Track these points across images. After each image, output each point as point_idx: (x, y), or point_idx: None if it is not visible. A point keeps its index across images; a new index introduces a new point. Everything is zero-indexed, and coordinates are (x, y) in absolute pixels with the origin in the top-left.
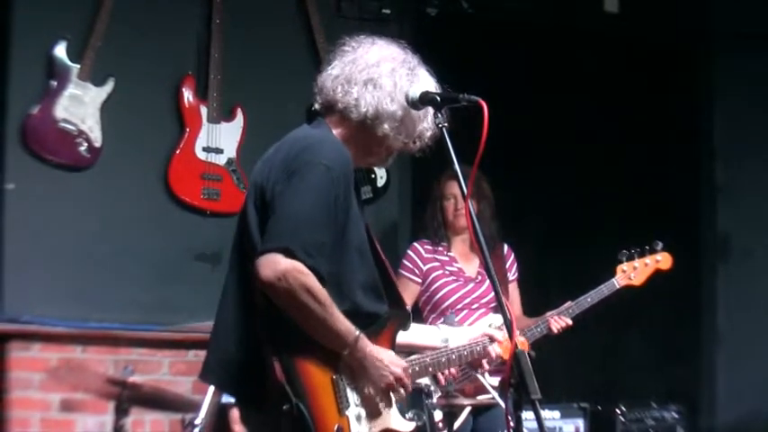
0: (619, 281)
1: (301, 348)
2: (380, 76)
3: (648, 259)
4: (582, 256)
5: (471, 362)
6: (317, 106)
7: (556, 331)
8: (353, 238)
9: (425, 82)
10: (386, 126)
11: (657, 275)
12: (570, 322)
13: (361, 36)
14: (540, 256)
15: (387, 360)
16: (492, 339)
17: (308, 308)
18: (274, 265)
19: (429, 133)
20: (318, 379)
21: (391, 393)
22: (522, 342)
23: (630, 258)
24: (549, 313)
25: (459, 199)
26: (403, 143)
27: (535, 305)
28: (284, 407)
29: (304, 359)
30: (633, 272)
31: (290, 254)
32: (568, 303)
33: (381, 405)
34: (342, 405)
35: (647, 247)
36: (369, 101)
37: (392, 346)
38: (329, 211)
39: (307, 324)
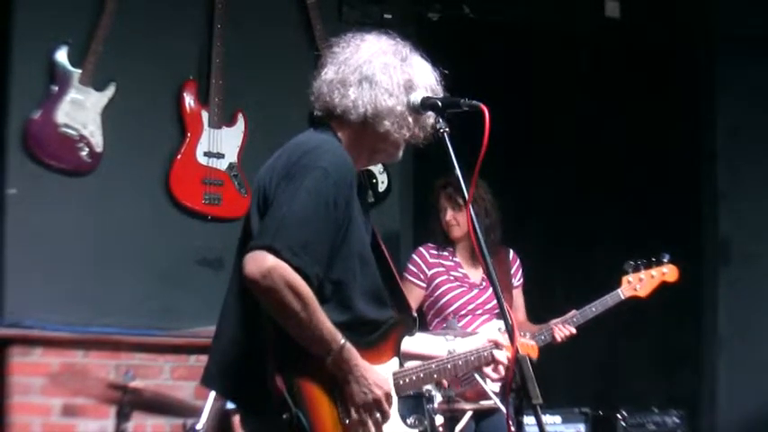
0: (624, 292)
1: (303, 358)
2: (374, 72)
3: (654, 271)
4: (584, 260)
5: (478, 368)
6: (316, 113)
7: (559, 340)
8: (355, 244)
9: (419, 69)
10: (386, 122)
11: None
12: (574, 331)
13: (348, 35)
14: (542, 260)
15: (371, 379)
16: (497, 345)
17: (291, 307)
18: (260, 261)
19: (431, 121)
20: (319, 388)
21: (367, 413)
22: (531, 346)
23: (636, 269)
24: (553, 321)
25: (449, 210)
26: (407, 135)
27: (538, 310)
28: (284, 416)
29: (305, 368)
30: (639, 283)
31: (274, 252)
32: (573, 312)
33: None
34: (342, 414)
35: (653, 259)
36: (366, 100)
37: (397, 352)
38: (324, 213)
39: (289, 324)
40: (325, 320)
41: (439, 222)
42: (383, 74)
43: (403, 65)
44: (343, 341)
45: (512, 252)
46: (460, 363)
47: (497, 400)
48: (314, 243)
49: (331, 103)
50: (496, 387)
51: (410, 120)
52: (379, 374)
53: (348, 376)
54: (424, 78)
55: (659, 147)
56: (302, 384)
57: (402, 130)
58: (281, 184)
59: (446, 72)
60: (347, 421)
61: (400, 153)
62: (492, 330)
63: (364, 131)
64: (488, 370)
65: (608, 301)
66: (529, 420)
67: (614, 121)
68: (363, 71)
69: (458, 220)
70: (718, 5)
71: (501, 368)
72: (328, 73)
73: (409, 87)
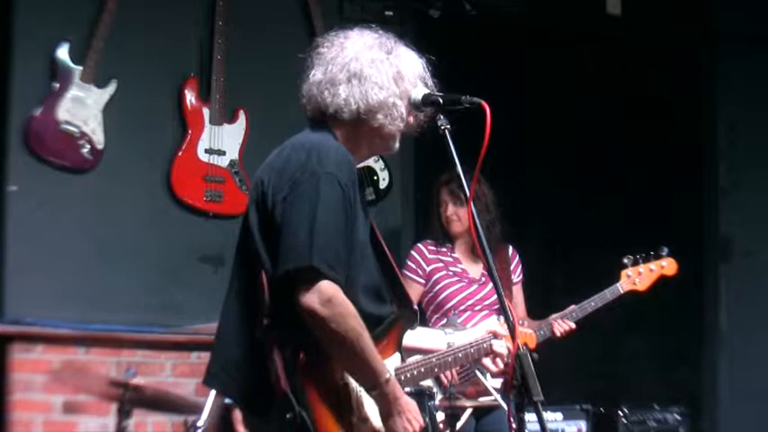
0: (623, 286)
1: (306, 356)
2: (362, 68)
3: (653, 265)
4: (585, 258)
5: (478, 360)
6: (310, 115)
7: (559, 335)
8: (357, 240)
9: (406, 60)
10: (380, 116)
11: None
12: (574, 326)
13: (331, 34)
14: (543, 258)
15: (413, 413)
16: (496, 335)
17: (348, 337)
18: (318, 291)
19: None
20: (323, 387)
21: None
22: (529, 334)
23: (635, 263)
24: (552, 317)
25: (450, 206)
26: (401, 126)
27: (538, 307)
28: (288, 415)
29: (309, 367)
30: (638, 277)
31: (315, 271)
32: (572, 307)
33: None
34: (345, 413)
35: (651, 253)
36: (357, 96)
37: (398, 347)
38: (343, 220)
39: (344, 354)
40: (375, 352)
41: (438, 218)
42: (371, 68)
43: (390, 57)
44: (389, 375)
45: (511, 248)
46: (460, 355)
47: (498, 397)
48: (342, 252)
49: (323, 104)
50: (497, 384)
51: (403, 111)
52: (416, 407)
53: (392, 409)
54: (412, 68)
55: (660, 144)
56: (305, 384)
57: (396, 122)
58: (284, 190)
59: (432, 58)
60: (350, 418)
61: (397, 144)
62: (491, 322)
63: (359, 127)
64: (488, 362)
65: (607, 295)
66: (530, 417)
67: (615, 118)
68: (351, 68)
69: (459, 216)
70: (720, 5)
71: (500, 360)
72: (316, 74)
73: (399, 79)
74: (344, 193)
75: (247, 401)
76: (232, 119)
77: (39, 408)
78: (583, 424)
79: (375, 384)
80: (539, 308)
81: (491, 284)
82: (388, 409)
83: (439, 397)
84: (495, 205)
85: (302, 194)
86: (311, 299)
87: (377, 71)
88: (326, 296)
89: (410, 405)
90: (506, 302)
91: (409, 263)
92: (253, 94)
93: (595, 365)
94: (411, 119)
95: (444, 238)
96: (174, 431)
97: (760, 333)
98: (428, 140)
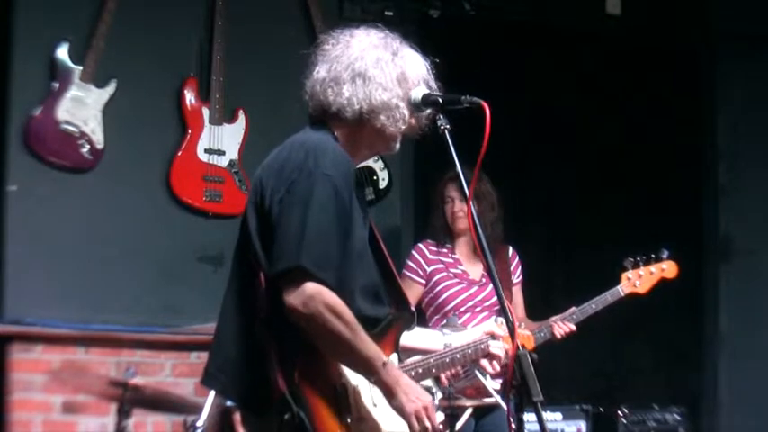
0: (623, 288)
1: (304, 356)
2: (366, 68)
3: (654, 267)
4: (585, 258)
5: (475, 360)
6: (312, 112)
7: (559, 336)
8: (355, 242)
9: (411, 61)
10: (382, 117)
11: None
12: (574, 328)
13: (336, 31)
14: (543, 258)
15: (415, 391)
16: (494, 336)
17: (337, 331)
18: (299, 290)
19: (429, 112)
20: (320, 387)
21: (421, 419)
22: (527, 336)
23: (636, 266)
24: (552, 318)
25: (457, 202)
26: (403, 128)
27: (538, 307)
28: (285, 416)
29: (306, 367)
30: (638, 280)
31: (303, 271)
32: (572, 309)
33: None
34: (343, 413)
35: (652, 256)
36: (361, 96)
37: (396, 348)
38: (336, 221)
39: (335, 349)
40: (367, 340)
41: (441, 216)
42: (375, 69)
43: (395, 58)
44: (385, 359)
45: (511, 249)
46: (458, 356)
47: (498, 397)
48: (333, 253)
49: (325, 102)
50: (497, 384)
51: (406, 112)
52: (418, 386)
53: (395, 390)
54: (417, 70)
55: (660, 144)
56: (303, 384)
57: (398, 123)
58: (281, 191)
59: (436, 60)
60: (349, 419)
61: (398, 145)
62: (489, 323)
63: (361, 128)
64: (485, 363)
65: (607, 297)
66: (529, 417)
67: (616, 119)
68: (356, 68)
69: (465, 212)
70: (720, 5)
71: (497, 361)
72: (320, 72)
73: (403, 80)
74: (339, 195)
75: (246, 401)
76: (232, 119)
77: (38, 408)
78: (582, 424)
79: (373, 370)
80: (539, 308)
81: (491, 285)
82: (392, 392)
83: (439, 397)
84: (499, 204)
85: (297, 195)
86: (293, 298)
87: (381, 72)
88: (307, 294)
89: (412, 385)
90: (506, 303)
91: (410, 263)
92: (253, 94)
93: (595, 365)
94: (413, 120)
95: (446, 237)
96: (174, 431)
97: (760, 333)
98: (428, 140)
